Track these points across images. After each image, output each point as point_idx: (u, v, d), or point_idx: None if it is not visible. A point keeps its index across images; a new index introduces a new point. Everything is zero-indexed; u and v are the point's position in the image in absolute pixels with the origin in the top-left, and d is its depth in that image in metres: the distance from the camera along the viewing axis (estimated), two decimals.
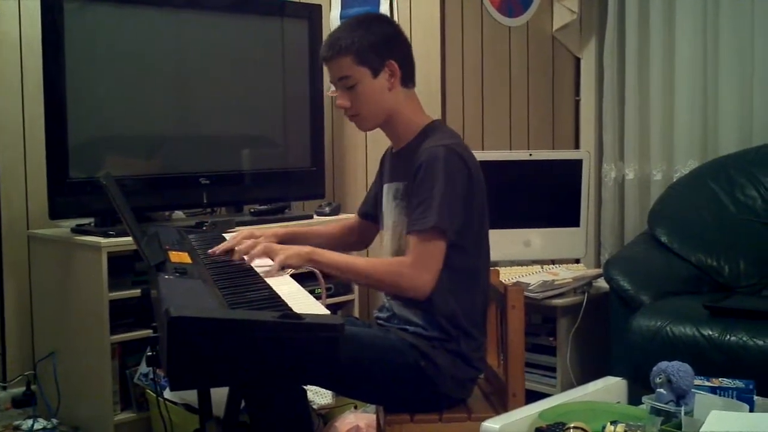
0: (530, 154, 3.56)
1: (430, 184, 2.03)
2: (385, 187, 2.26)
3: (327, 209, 3.61)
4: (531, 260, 3.53)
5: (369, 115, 2.17)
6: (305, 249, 2.11)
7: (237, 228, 3.08)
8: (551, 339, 3.30)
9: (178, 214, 3.47)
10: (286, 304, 1.72)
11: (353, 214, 2.55)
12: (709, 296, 2.93)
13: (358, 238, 2.50)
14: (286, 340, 1.49)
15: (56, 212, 3.05)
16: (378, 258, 2.24)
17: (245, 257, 2.09)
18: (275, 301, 1.77)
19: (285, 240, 2.34)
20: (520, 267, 3.45)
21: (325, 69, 2.27)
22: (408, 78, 2.18)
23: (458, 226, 2.05)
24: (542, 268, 3.44)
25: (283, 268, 2.08)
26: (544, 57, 4.01)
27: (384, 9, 3.65)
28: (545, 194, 3.53)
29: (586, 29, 4.07)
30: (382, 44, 2.13)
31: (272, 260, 2.09)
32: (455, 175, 2.04)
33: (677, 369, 1.61)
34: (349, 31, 2.14)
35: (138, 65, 3.22)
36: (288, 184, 3.62)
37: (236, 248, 2.14)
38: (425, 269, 2.02)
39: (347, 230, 2.51)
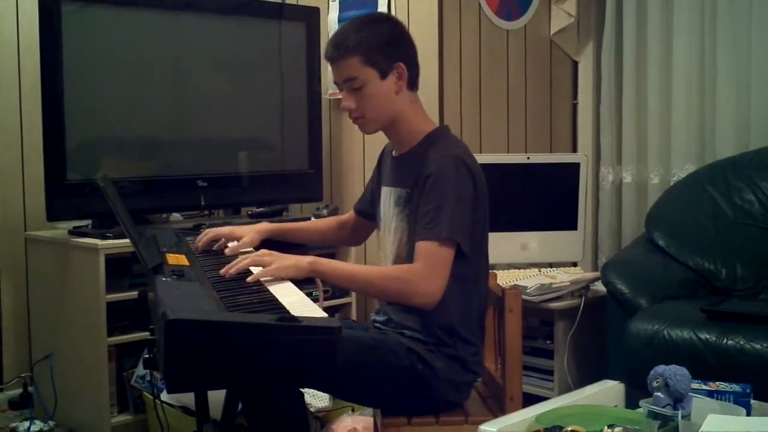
0: (528, 158, 3.56)
1: (441, 194, 2.01)
2: (385, 190, 2.24)
3: (325, 212, 3.60)
4: (528, 263, 3.53)
5: (374, 118, 2.13)
6: (305, 260, 2.05)
7: None
8: (549, 342, 3.30)
9: (176, 216, 3.47)
10: (284, 307, 1.72)
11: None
12: (707, 300, 2.93)
13: (352, 234, 2.49)
14: (284, 343, 1.49)
15: (53, 214, 3.04)
16: (381, 265, 2.22)
17: (231, 272, 2.01)
18: (273, 303, 1.77)
19: (269, 237, 2.33)
20: (517, 270, 3.45)
21: (324, 71, 2.25)
22: (414, 80, 2.16)
23: (469, 237, 2.04)
24: (540, 271, 3.44)
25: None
26: (542, 60, 4.01)
27: (382, 12, 3.64)
28: (543, 197, 3.53)
29: (583, 33, 4.07)
30: (390, 45, 2.09)
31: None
32: (464, 187, 2.03)
33: (674, 372, 1.61)
34: (356, 31, 2.08)
35: (136, 67, 3.22)
36: (286, 186, 3.62)
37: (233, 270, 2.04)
38: (436, 276, 2.00)
39: (340, 225, 2.50)
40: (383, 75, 2.08)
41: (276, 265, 2.01)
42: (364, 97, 2.10)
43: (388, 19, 2.24)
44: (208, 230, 2.36)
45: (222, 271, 2.02)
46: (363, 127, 2.17)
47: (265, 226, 2.40)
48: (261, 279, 1.99)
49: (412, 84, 2.15)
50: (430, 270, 2.00)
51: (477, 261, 2.13)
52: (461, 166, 2.04)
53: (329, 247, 3.39)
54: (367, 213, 2.39)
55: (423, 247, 2.01)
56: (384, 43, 2.08)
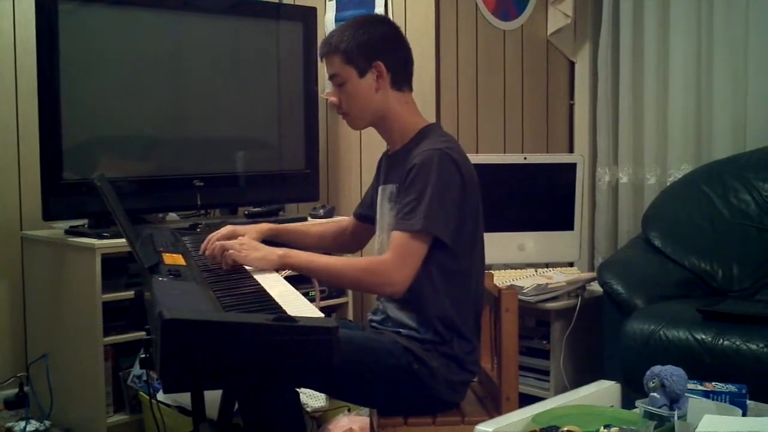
0: (525, 158, 3.57)
1: (421, 186, 2.02)
2: (380, 189, 2.25)
3: (321, 212, 3.61)
4: (525, 263, 3.53)
5: (357, 114, 2.19)
6: (276, 252, 2.11)
7: None
8: (545, 342, 3.30)
9: (172, 216, 3.46)
10: (281, 307, 1.72)
11: (347, 217, 2.55)
12: (703, 300, 2.94)
13: (352, 239, 2.50)
14: (280, 343, 1.49)
15: (50, 213, 3.04)
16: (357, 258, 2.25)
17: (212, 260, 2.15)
18: (269, 303, 1.77)
19: (269, 237, 2.33)
20: (514, 270, 3.46)
21: (321, 71, 2.30)
22: (401, 81, 2.18)
23: (451, 230, 2.05)
24: (536, 271, 3.45)
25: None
26: (539, 61, 4.02)
27: (379, 12, 3.65)
28: (539, 198, 3.54)
29: (580, 33, 4.07)
30: (371, 45, 2.14)
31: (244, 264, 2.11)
32: (448, 179, 2.04)
33: (670, 373, 1.62)
34: (343, 31, 2.17)
35: (132, 67, 3.21)
36: (282, 186, 3.62)
37: (207, 253, 2.18)
38: (404, 266, 2.02)
39: (340, 230, 2.51)
40: (362, 74, 2.15)
41: (244, 254, 2.10)
42: (345, 94, 2.17)
43: (379, 20, 2.31)
44: (210, 236, 2.34)
45: (205, 253, 2.16)
46: (349, 122, 2.24)
47: (266, 226, 2.41)
48: (248, 269, 2.07)
49: (400, 83, 2.18)
50: (399, 261, 2.02)
51: (470, 256, 2.13)
52: (445, 158, 2.05)
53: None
54: (366, 216, 2.40)
55: (396, 237, 2.04)
56: (364, 44, 2.14)
